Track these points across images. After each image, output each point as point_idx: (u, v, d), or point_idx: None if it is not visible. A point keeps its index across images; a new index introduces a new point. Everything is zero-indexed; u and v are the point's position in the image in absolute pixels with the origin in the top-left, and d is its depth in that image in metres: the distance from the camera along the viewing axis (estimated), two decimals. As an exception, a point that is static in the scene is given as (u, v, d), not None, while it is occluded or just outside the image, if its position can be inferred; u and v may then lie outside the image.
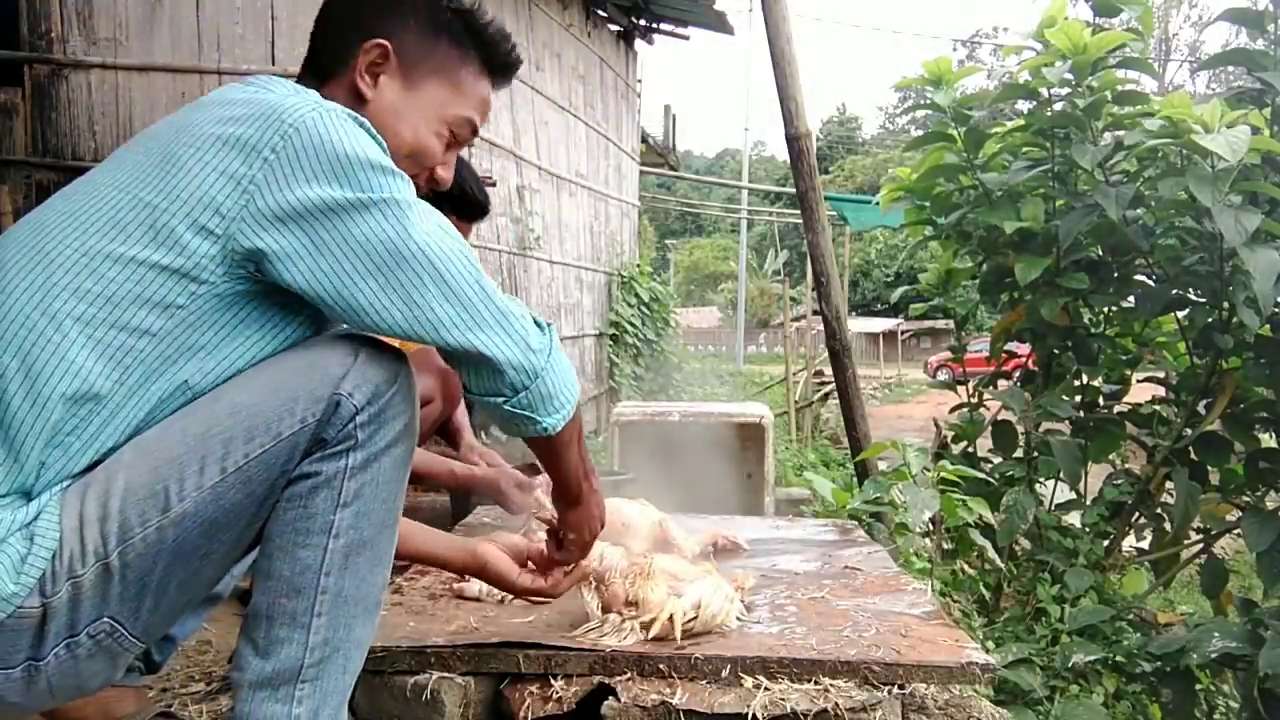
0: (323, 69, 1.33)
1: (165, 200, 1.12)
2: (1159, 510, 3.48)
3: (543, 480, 1.98)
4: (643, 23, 7.95)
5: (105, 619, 1.09)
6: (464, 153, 2.18)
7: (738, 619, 1.63)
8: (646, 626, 1.52)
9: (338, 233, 1.12)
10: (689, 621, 1.53)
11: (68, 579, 1.06)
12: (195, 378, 1.15)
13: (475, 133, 1.42)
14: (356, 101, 1.30)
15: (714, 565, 1.83)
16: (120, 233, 1.12)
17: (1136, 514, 3.51)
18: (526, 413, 1.20)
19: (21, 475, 1.09)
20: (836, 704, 1.38)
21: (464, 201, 2.15)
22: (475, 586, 1.82)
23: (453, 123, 1.37)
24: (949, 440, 3.93)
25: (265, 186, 1.11)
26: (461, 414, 2.50)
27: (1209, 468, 3.35)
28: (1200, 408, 3.35)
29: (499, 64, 1.41)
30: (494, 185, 4.79)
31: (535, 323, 1.20)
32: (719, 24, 7.93)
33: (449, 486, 2.34)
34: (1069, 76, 3.28)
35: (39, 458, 1.09)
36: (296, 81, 1.32)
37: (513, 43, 1.43)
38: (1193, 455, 3.33)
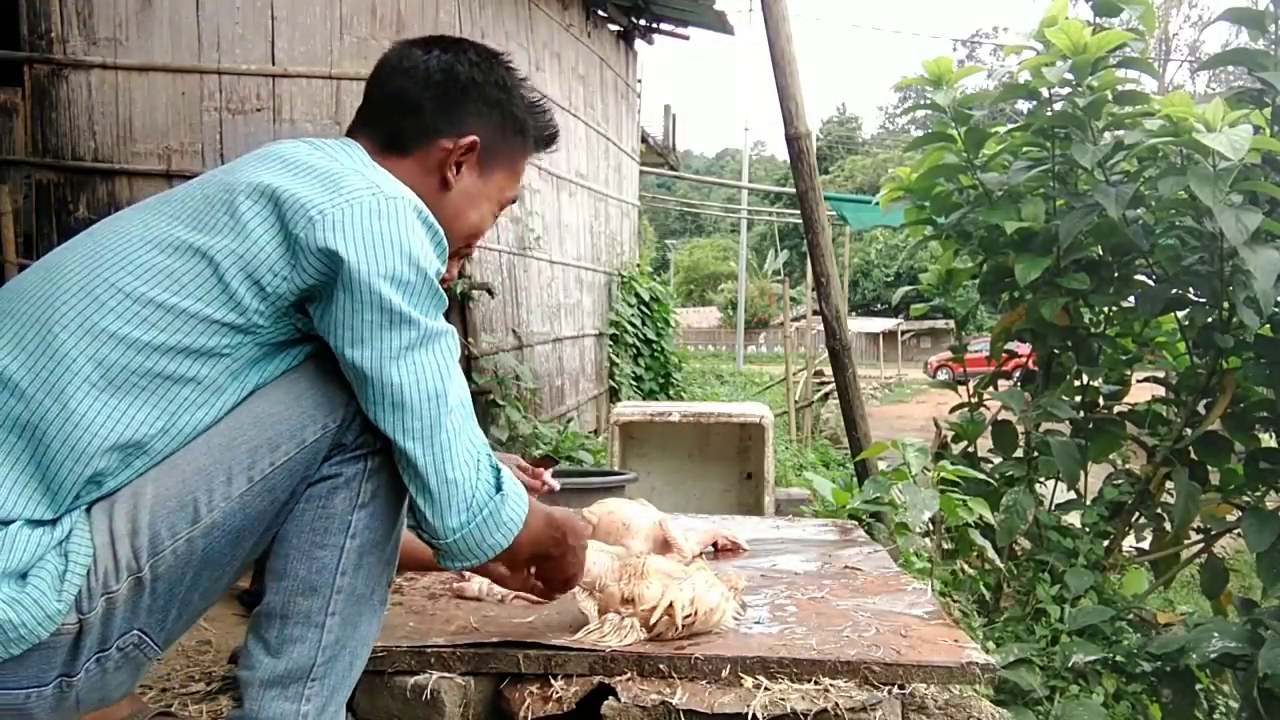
0: (397, 143, 1.36)
1: (221, 255, 1.14)
2: (1159, 510, 3.48)
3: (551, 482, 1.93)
4: (643, 23, 7.95)
5: (135, 630, 1.11)
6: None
7: (734, 618, 1.63)
8: (646, 622, 1.52)
9: (363, 317, 1.14)
10: (687, 616, 1.52)
11: (103, 594, 1.08)
12: (229, 409, 1.17)
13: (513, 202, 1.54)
14: (440, 187, 1.37)
15: (706, 564, 1.83)
16: (175, 283, 1.13)
17: (1136, 514, 3.51)
18: (487, 530, 1.21)
19: (54, 505, 1.09)
20: (836, 704, 1.38)
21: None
22: (475, 585, 1.82)
23: (505, 203, 1.48)
24: (949, 440, 3.93)
25: (309, 239, 1.13)
26: None
27: (1209, 468, 3.35)
28: (1200, 407, 3.36)
29: (547, 139, 1.51)
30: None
31: (496, 474, 1.22)
32: (719, 24, 7.93)
33: None
34: (1069, 76, 3.28)
35: (73, 493, 1.09)
36: (351, 135, 1.37)
37: (552, 115, 1.51)
38: (1193, 455, 3.33)
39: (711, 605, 1.56)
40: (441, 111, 1.37)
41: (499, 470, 1.23)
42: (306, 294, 1.15)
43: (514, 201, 1.51)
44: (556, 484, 2.13)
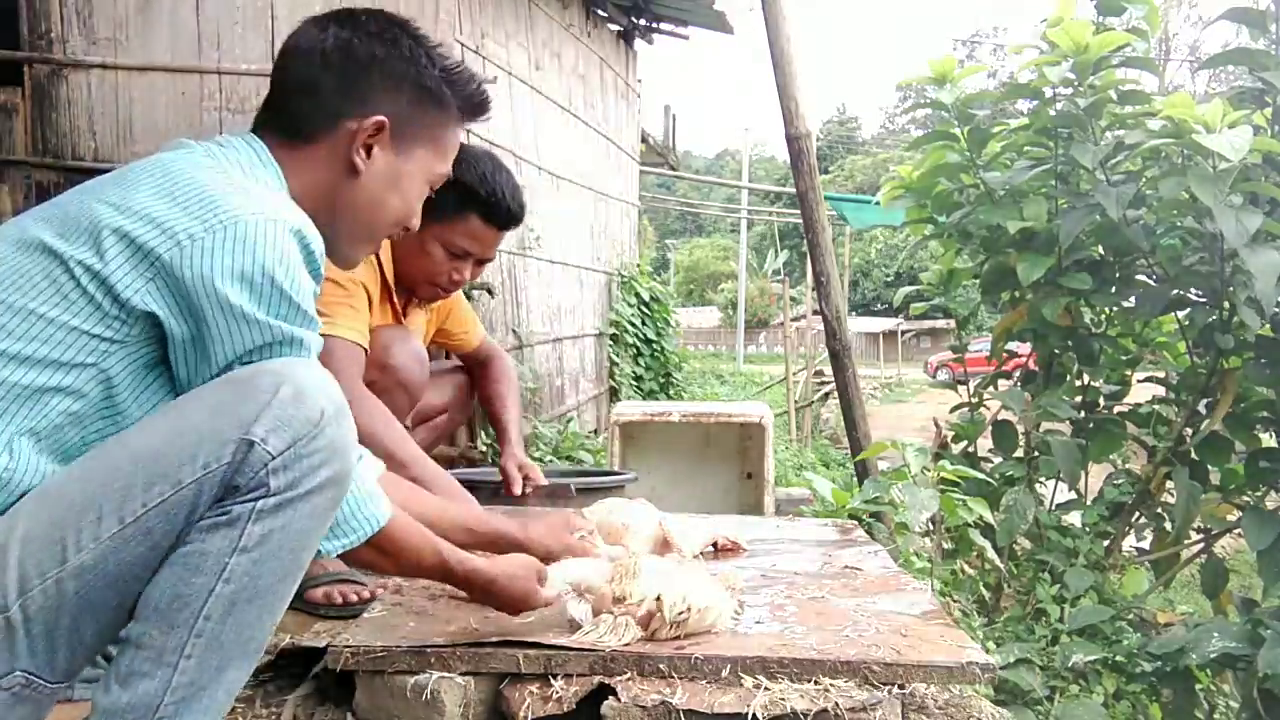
0: (299, 131, 1.30)
1: (74, 265, 1.11)
2: (1159, 510, 3.48)
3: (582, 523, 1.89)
4: (643, 22, 7.94)
5: (18, 672, 1.03)
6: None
7: (733, 618, 1.63)
8: (641, 619, 1.51)
9: (224, 343, 1.11)
10: (681, 613, 1.52)
11: None
12: (116, 429, 1.13)
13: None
14: (346, 172, 1.31)
15: (704, 563, 1.83)
16: (29, 285, 1.11)
17: (1136, 514, 3.51)
18: None
19: None
20: (836, 704, 1.38)
21: (497, 209, 2.12)
22: None
23: (436, 181, 1.40)
24: (949, 440, 3.93)
25: (173, 264, 1.10)
26: (512, 419, 2.52)
27: (1209, 467, 3.35)
28: (1201, 407, 3.35)
29: (474, 107, 1.42)
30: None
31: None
32: (719, 24, 7.92)
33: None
34: (1071, 76, 3.28)
35: None
36: (257, 128, 1.32)
37: (480, 81, 1.42)
38: (1193, 455, 3.33)
39: (705, 601, 1.55)
40: (342, 92, 1.29)
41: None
42: (161, 315, 1.11)
43: (446, 176, 1.43)
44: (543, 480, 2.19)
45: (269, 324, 1.13)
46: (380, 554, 1.30)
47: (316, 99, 1.30)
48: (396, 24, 1.36)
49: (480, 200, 2.08)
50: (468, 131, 4.92)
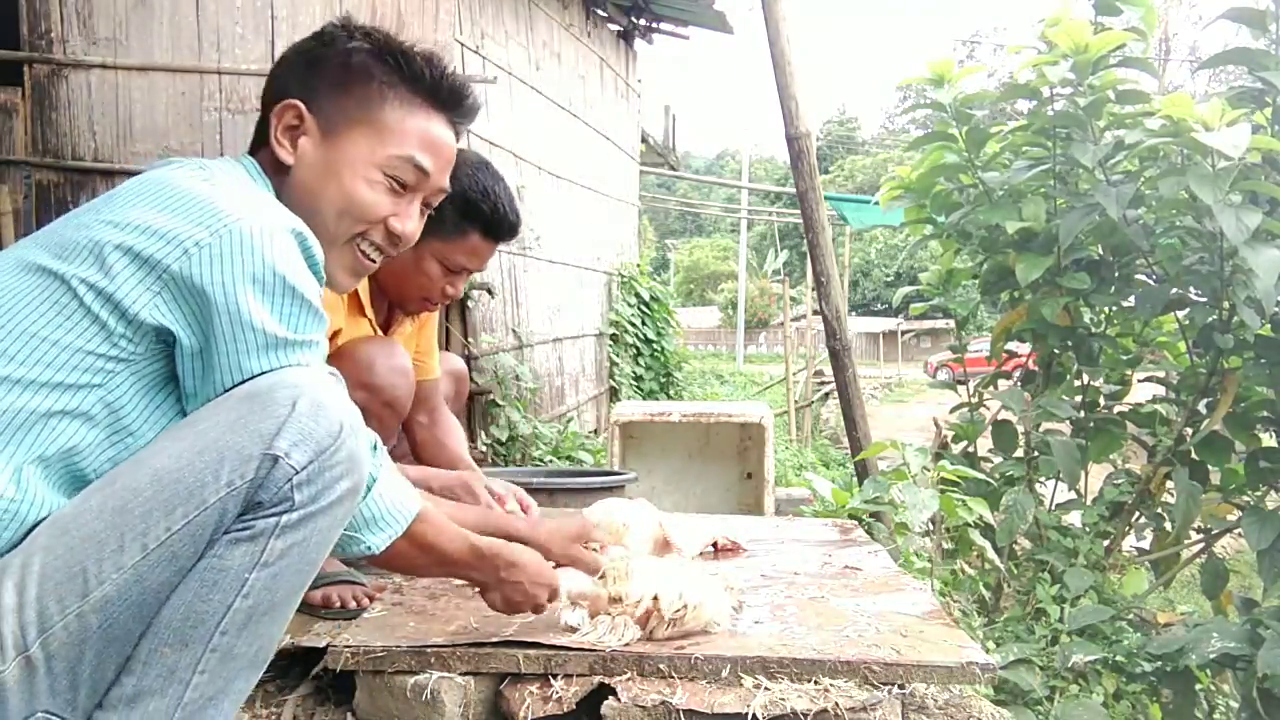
0: (255, 138, 1.30)
1: (77, 283, 1.08)
2: (1159, 510, 3.48)
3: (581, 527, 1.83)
4: (643, 22, 7.95)
5: (39, 714, 1.00)
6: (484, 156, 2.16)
7: (732, 618, 1.63)
8: (637, 617, 1.51)
9: (237, 346, 1.08)
10: (678, 610, 1.52)
11: None
12: (128, 452, 1.10)
13: (426, 172, 1.32)
14: (278, 170, 1.27)
15: (703, 563, 1.83)
16: (29, 306, 1.09)
17: (1137, 514, 3.51)
18: (349, 531, 1.18)
19: None
20: (836, 704, 1.38)
21: (500, 225, 1.99)
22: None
23: (387, 165, 1.28)
24: (949, 440, 3.94)
25: (182, 273, 1.08)
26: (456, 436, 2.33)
27: (1209, 467, 3.35)
28: (1201, 407, 3.35)
29: (429, 88, 1.31)
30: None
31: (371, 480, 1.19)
32: (719, 24, 7.93)
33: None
34: (1070, 76, 3.28)
35: None
36: (253, 152, 1.30)
37: (440, 63, 1.33)
38: (1193, 455, 3.33)
39: (700, 598, 1.55)
40: (271, 87, 1.29)
41: (374, 479, 1.20)
42: (172, 327, 1.09)
43: (419, 169, 1.31)
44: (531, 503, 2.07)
45: (281, 323, 1.10)
46: (414, 545, 1.28)
47: (264, 96, 1.31)
48: (345, 25, 1.32)
49: (483, 217, 1.96)
50: (468, 133, 4.93)
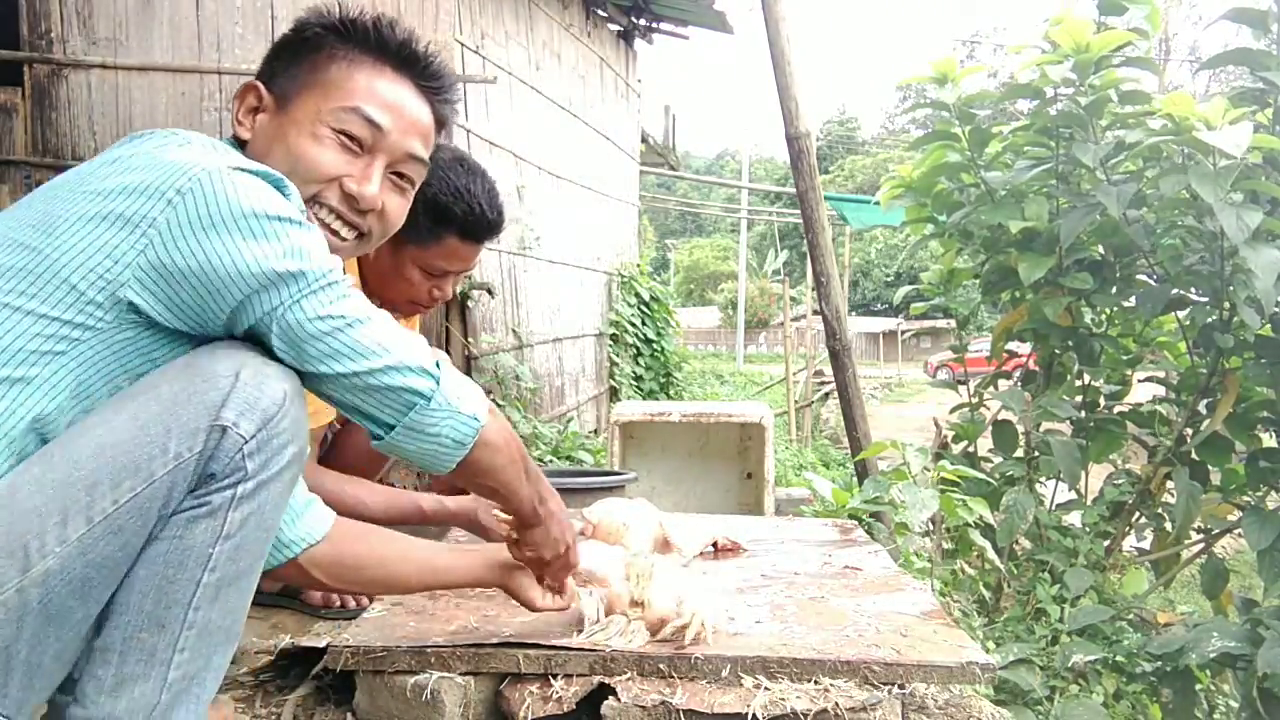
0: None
1: (56, 252, 1.05)
2: (1159, 510, 3.48)
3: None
4: (643, 22, 7.95)
5: None
6: (467, 150, 2.15)
7: (728, 619, 1.63)
8: (654, 628, 1.51)
9: (233, 282, 1.05)
10: (699, 631, 1.51)
11: None
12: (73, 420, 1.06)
13: (378, 126, 1.28)
14: (242, 148, 1.27)
15: (702, 563, 1.82)
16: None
17: (1137, 514, 3.51)
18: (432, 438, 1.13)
19: None
20: (836, 704, 1.38)
21: (476, 225, 1.90)
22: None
23: (333, 119, 1.25)
24: (949, 440, 3.93)
25: (151, 248, 1.05)
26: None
27: (1210, 467, 3.35)
28: (1201, 407, 3.35)
29: (376, 43, 1.29)
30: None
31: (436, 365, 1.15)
32: (719, 24, 7.93)
33: (419, 524, 2.02)
34: (1072, 75, 3.28)
35: None
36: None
37: (392, 23, 1.31)
38: (1193, 455, 3.33)
39: (716, 619, 1.55)
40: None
41: (439, 364, 1.15)
42: (154, 286, 1.05)
43: (364, 119, 1.27)
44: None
45: (272, 247, 1.06)
46: (489, 448, 1.20)
47: None
48: (317, 12, 1.33)
49: (456, 219, 1.87)
50: (469, 133, 4.90)
